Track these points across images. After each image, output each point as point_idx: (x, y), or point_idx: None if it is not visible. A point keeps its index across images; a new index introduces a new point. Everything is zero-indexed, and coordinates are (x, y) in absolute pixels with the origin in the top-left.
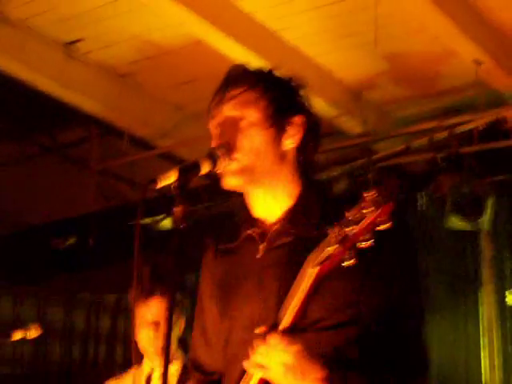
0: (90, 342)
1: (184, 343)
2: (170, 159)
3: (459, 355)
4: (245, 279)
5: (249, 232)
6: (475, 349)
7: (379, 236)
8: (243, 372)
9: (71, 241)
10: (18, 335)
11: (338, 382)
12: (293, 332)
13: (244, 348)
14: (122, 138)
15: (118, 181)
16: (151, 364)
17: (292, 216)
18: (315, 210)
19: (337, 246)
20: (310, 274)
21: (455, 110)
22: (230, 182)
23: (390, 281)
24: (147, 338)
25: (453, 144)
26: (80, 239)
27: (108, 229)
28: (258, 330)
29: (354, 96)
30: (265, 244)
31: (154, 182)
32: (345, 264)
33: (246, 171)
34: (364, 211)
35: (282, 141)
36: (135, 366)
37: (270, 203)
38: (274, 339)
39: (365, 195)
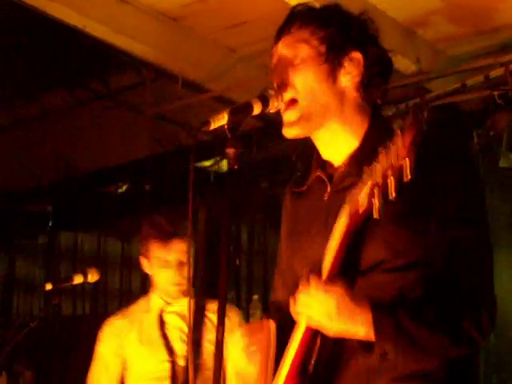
0: None
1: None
2: (223, 102)
3: None
4: (313, 221)
5: (317, 174)
6: None
7: (443, 175)
8: None
9: (127, 186)
10: (78, 279)
11: (388, 324)
12: (337, 277)
13: None
14: (174, 81)
15: (172, 125)
16: (164, 300)
17: (358, 157)
18: None
19: (365, 194)
20: (340, 223)
21: (511, 47)
22: (290, 133)
23: (456, 220)
24: (168, 279)
25: (509, 81)
26: (135, 184)
27: (163, 173)
28: (301, 283)
29: (408, 34)
30: (332, 186)
31: (207, 123)
32: (374, 213)
33: (304, 119)
34: (389, 160)
35: (338, 77)
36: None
37: (336, 144)
38: (314, 288)
39: (393, 143)
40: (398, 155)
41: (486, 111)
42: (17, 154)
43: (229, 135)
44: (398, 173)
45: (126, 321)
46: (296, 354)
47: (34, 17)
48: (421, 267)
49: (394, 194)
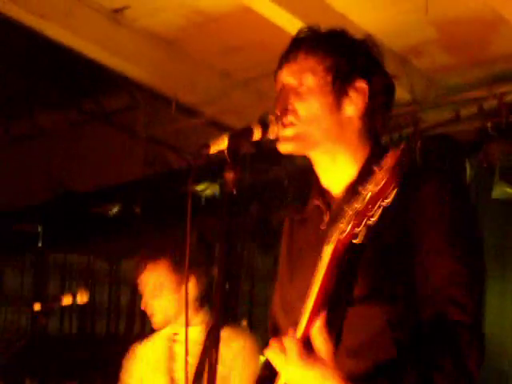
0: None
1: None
2: (216, 126)
3: (505, 325)
4: (308, 250)
5: (316, 203)
6: None
7: (431, 204)
8: None
9: (117, 208)
10: (67, 300)
11: None
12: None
13: None
14: (168, 105)
15: (165, 148)
16: (172, 329)
17: (356, 186)
18: None
19: (346, 223)
20: (326, 253)
21: (505, 78)
22: (285, 148)
23: (444, 251)
24: (166, 304)
25: (503, 112)
26: (126, 206)
27: (154, 196)
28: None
29: (402, 64)
30: (330, 215)
31: (207, 147)
32: (355, 241)
33: (301, 138)
34: (370, 186)
35: (342, 107)
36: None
37: (335, 172)
38: (294, 356)
39: (375, 169)
40: (380, 181)
41: (480, 142)
42: (8, 173)
43: (228, 159)
44: (381, 199)
45: (147, 347)
46: None
47: (29, 37)
48: (404, 302)
49: (375, 219)
